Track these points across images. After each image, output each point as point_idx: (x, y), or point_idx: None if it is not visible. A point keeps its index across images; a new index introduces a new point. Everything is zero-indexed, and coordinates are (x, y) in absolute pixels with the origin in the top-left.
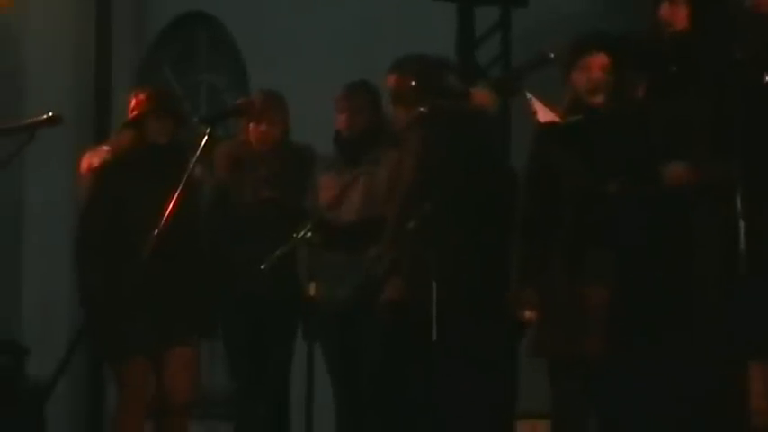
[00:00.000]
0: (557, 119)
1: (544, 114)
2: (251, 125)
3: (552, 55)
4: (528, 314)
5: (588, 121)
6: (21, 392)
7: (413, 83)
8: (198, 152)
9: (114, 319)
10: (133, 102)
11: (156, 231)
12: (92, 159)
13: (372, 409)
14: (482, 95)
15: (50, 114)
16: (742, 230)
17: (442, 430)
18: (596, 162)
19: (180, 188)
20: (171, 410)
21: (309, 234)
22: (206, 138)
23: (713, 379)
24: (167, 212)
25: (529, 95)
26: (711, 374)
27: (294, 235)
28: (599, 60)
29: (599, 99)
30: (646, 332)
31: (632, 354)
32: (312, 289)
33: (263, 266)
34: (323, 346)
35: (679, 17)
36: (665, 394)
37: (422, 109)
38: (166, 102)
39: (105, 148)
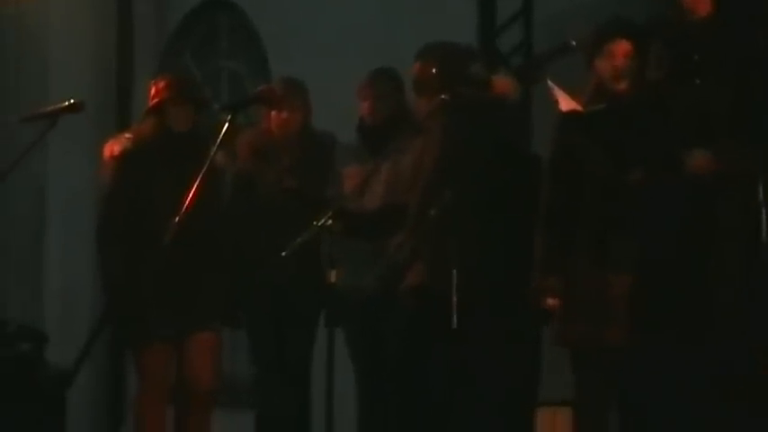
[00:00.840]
0: (579, 107)
1: (566, 103)
2: (272, 113)
3: (574, 43)
4: (551, 302)
5: (611, 110)
6: (42, 380)
7: (434, 70)
8: (219, 139)
9: (135, 306)
10: (153, 89)
11: (176, 218)
12: (113, 147)
13: (394, 395)
14: (504, 83)
15: (72, 101)
16: (764, 218)
17: (462, 417)
18: (619, 150)
19: (201, 175)
20: (193, 397)
21: (330, 222)
22: (227, 125)
23: (736, 367)
24: (188, 199)
25: (551, 84)
26: (734, 363)
27: (315, 222)
28: (623, 47)
29: (623, 86)
30: (668, 321)
31: (655, 343)
32: (333, 276)
33: (284, 254)
34: (346, 333)
35: (702, 3)
36: (688, 383)
37: (443, 97)
38: (186, 89)
39: (127, 135)
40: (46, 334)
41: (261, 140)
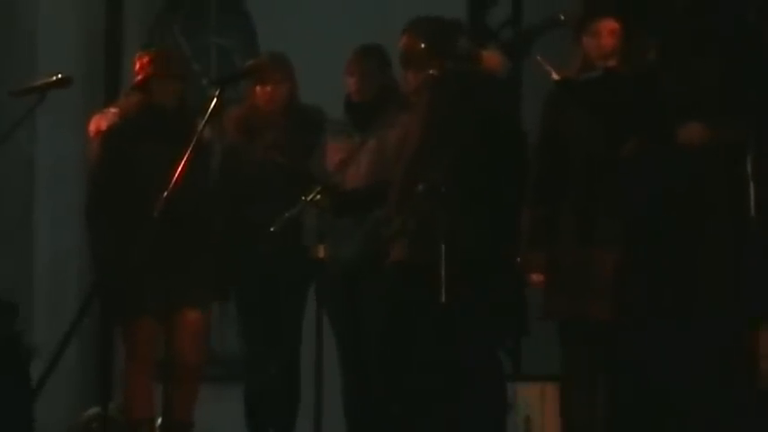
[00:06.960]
0: (571, 76)
1: (558, 72)
2: (258, 87)
3: (563, 17)
4: (536, 278)
5: (603, 79)
6: (21, 356)
7: (422, 45)
8: (207, 115)
9: (124, 281)
10: (138, 64)
11: (165, 193)
12: (100, 122)
13: (378, 369)
14: (493, 58)
15: (60, 76)
16: (752, 192)
17: (446, 391)
18: (610, 121)
19: (189, 150)
20: (180, 373)
21: (318, 197)
22: (215, 100)
23: (723, 342)
24: (176, 174)
25: (540, 59)
26: (721, 337)
27: (303, 198)
28: (609, 26)
29: (610, 64)
30: (656, 297)
31: (642, 318)
32: (321, 251)
33: (272, 229)
34: (328, 308)
35: None
36: (675, 358)
37: (432, 72)
38: (170, 63)
39: (113, 110)
40: (16, 305)
41: (248, 115)
